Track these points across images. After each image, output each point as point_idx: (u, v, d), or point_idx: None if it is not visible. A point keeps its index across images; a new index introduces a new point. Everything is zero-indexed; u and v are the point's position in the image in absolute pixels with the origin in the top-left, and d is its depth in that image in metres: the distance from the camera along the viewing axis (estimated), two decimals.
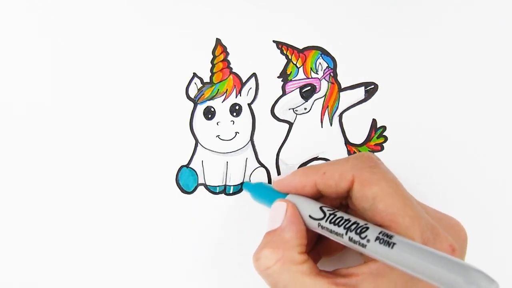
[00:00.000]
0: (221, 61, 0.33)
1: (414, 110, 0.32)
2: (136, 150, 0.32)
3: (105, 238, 0.32)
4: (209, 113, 0.33)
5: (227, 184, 0.32)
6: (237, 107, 0.32)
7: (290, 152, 0.32)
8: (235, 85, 0.33)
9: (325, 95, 0.32)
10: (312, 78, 0.32)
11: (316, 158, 0.32)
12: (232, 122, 0.32)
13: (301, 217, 0.25)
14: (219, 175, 0.32)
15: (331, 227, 0.23)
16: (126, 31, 0.33)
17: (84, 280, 0.32)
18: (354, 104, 0.32)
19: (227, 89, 0.33)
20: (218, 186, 0.32)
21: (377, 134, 0.32)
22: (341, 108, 0.32)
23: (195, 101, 0.33)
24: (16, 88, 0.33)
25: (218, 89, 0.33)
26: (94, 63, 0.33)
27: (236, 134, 0.32)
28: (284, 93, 0.32)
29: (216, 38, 0.33)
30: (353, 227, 0.22)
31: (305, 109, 0.32)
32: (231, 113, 0.33)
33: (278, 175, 0.32)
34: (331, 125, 0.32)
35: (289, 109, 0.32)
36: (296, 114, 0.32)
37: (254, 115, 0.32)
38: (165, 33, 0.33)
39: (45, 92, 0.33)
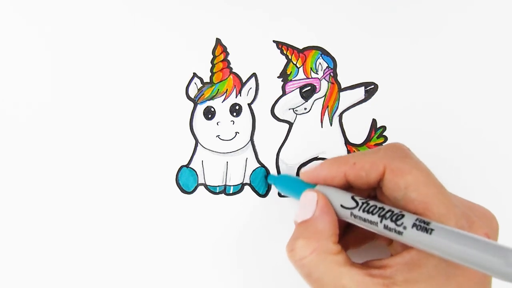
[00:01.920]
0: (221, 61, 0.33)
1: (414, 110, 0.32)
2: (136, 150, 0.32)
3: (105, 238, 0.32)
4: (209, 113, 0.33)
5: (227, 184, 0.32)
6: (237, 107, 0.32)
7: (290, 152, 0.32)
8: (235, 85, 0.33)
9: (325, 95, 0.32)
10: (312, 78, 0.32)
11: (316, 158, 0.32)
12: (232, 122, 0.32)
13: (332, 207, 0.24)
14: (219, 175, 0.32)
15: (365, 215, 0.23)
16: (126, 31, 0.33)
17: (84, 280, 0.32)
18: (354, 104, 0.32)
19: (227, 89, 0.33)
20: (218, 186, 0.32)
21: (377, 134, 0.32)
22: (341, 108, 0.32)
23: (195, 101, 0.33)
24: (16, 88, 0.33)
25: (218, 89, 0.33)
26: (94, 63, 0.33)
27: (236, 134, 0.32)
28: (284, 93, 0.32)
29: (216, 38, 0.33)
30: (388, 214, 0.22)
31: (305, 109, 0.32)
32: (231, 113, 0.33)
33: (278, 175, 0.32)
34: (331, 125, 0.32)
35: (289, 109, 0.32)
36: (296, 114, 0.32)
37: (254, 115, 0.32)
38: (165, 33, 0.33)
39: (46, 92, 0.33)
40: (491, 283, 0.23)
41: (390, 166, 0.23)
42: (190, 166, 0.32)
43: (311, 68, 0.32)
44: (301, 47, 0.32)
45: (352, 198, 0.24)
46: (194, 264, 0.32)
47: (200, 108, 0.33)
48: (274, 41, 0.33)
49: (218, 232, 0.32)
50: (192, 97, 0.33)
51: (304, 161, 0.32)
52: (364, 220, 0.23)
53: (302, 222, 0.25)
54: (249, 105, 0.33)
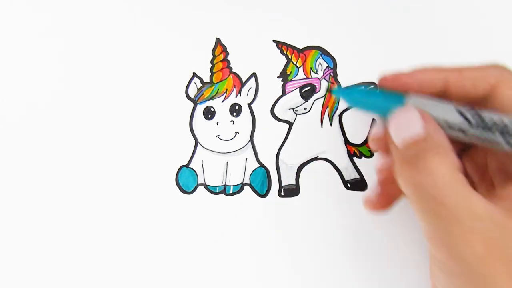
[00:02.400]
0: (221, 61, 0.33)
1: None
2: (136, 150, 0.32)
3: (105, 238, 0.32)
4: (209, 113, 0.32)
5: (227, 184, 0.32)
6: (237, 107, 0.32)
7: (290, 152, 0.32)
8: (235, 85, 0.33)
9: (325, 95, 0.32)
10: (312, 78, 0.32)
11: (316, 158, 0.32)
12: (232, 122, 0.32)
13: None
14: (219, 175, 0.32)
15: (480, 133, 0.19)
16: (126, 31, 0.33)
17: (84, 280, 0.32)
18: None
19: (227, 89, 0.33)
20: (218, 186, 0.32)
21: None
22: (341, 108, 0.32)
23: (195, 101, 0.33)
24: (17, 88, 0.33)
25: (218, 89, 0.33)
26: (94, 63, 0.33)
27: (236, 134, 0.32)
28: (284, 93, 0.32)
29: (216, 38, 0.33)
30: (507, 129, 0.19)
31: (305, 109, 0.32)
32: (231, 113, 0.33)
33: (278, 175, 0.32)
34: (331, 125, 0.32)
35: (289, 109, 0.32)
36: (296, 114, 0.32)
37: (254, 115, 0.32)
38: (165, 33, 0.33)
39: (45, 92, 0.33)
40: None
41: (504, 79, 0.21)
42: (190, 166, 0.32)
43: (311, 68, 0.32)
44: (301, 47, 0.32)
45: (459, 111, 0.20)
46: (194, 264, 0.32)
47: (200, 108, 0.33)
48: (274, 41, 0.33)
49: (218, 232, 0.32)
50: (192, 97, 0.33)
51: (304, 161, 0.32)
52: (478, 138, 0.19)
53: (412, 142, 0.20)
54: (249, 105, 0.33)
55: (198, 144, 0.32)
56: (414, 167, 0.20)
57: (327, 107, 0.32)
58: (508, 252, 0.18)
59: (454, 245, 0.19)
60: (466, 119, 0.20)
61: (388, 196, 0.25)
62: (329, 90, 0.28)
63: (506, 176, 0.22)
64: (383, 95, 0.22)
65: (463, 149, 0.24)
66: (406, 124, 0.20)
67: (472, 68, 0.22)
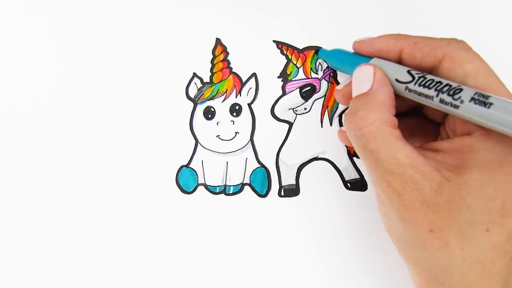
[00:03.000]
0: (221, 61, 0.33)
1: None
2: (136, 150, 0.32)
3: (105, 238, 0.32)
4: (209, 113, 0.33)
5: (227, 184, 0.32)
6: (237, 107, 0.32)
7: (290, 152, 0.32)
8: (235, 85, 0.33)
9: (325, 95, 0.32)
10: (312, 78, 0.32)
11: (316, 158, 0.32)
12: (232, 122, 0.32)
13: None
14: (219, 175, 0.32)
15: (421, 89, 0.22)
16: (126, 31, 0.33)
17: (84, 280, 0.32)
18: None
19: (227, 89, 0.33)
20: (218, 186, 0.32)
21: None
22: (341, 108, 0.32)
23: (195, 101, 0.33)
24: (17, 88, 0.33)
25: (218, 89, 0.33)
26: (94, 63, 0.33)
27: (236, 134, 0.32)
28: (284, 93, 0.32)
29: (216, 38, 0.33)
30: (445, 88, 0.21)
31: (305, 109, 0.32)
32: (231, 113, 0.33)
33: (278, 175, 0.32)
34: (331, 125, 0.32)
35: (289, 109, 0.32)
36: (296, 114, 0.32)
37: (254, 115, 0.32)
38: (165, 33, 0.33)
39: (46, 93, 0.33)
40: None
41: (452, 54, 0.23)
42: (190, 166, 0.32)
43: (311, 68, 0.32)
44: (301, 47, 0.32)
45: (408, 72, 0.23)
46: (194, 264, 0.32)
47: (200, 108, 0.33)
48: (274, 41, 0.33)
49: (218, 232, 0.32)
50: (192, 97, 0.33)
51: (304, 161, 0.32)
52: (420, 94, 0.22)
53: (360, 95, 0.24)
54: (249, 105, 0.33)
55: (198, 144, 0.32)
56: (353, 118, 0.23)
57: (327, 107, 0.32)
58: (421, 191, 0.21)
59: (381, 185, 0.23)
60: (413, 77, 0.23)
61: None
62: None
63: (453, 133, 0.24)
64: (354, 56, 0.26)
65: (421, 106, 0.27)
66: (360, 79, 0.24)
67: (426, 40, 0.24)
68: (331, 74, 0.32)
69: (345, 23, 0.33)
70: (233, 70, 0.33)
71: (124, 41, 0.33)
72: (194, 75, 0.33)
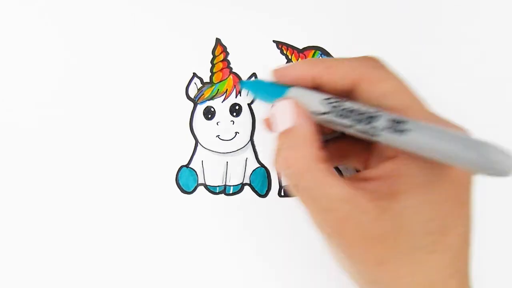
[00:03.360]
0: (221, 61, 0.33)
1: None
2: (136, 150, 0.32)
3: (105, 237, 0.32)
4: (209, 113, 0.33)
5: (227, 184, 0.32)
6: (237, 107, 0.32)
7: None
8: (235, 85, 0.33)
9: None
10: None
11: None
12: (232, 122, 0.32)
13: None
14: (219, 175, 0.32)
15: (338, 120, 0.22)
16: (126, 31, 0.33)
17: (84, 280, 0.32)
18: None
19: (227, 89, 0.33)
20: (218, 186, 0.32)
21: None
22: None
23: (195, 101, 0.33)
24: (17, 88, 0.33)
25: (218, 89, 0.33)
26: (94, 63, 0.33)
27: (236, 134, 0.32)
28: None
29: (216, 38, 0.33)
30: (360, 117, 0.21)
31: None
32: (231, 113, 0.33)
33: (278, 175, 0.32)
34: None
35: None
36: None
37: (254, 115, 0.32)
38: (165, 32, 0.33)
39: (46, 93, 0.33)
40: (472, 190, 0.22)
41: (365, 75, 0.22)
42: (190, 166, 0.32)
43: None
44: (301, 47, 0.32)
45: (325, 100, 0.22)
46: (194, 264, 0.32)
47: (200, 108, 0.33)
48: (274, 41, 0.33)
49: (218, 232, 0.32)
50: (192, 97, 0.33)
51: None
52: (337, 124, 0.22)
53: (282, 133, 0.23)
54: (249, 105, 0.33)
55: (198, 144, 0.32)
56: (279, 159, 0.23)
57: None
58: (360, 225, 0.21)
59: (320, 224, 0.22)
60: (329, 107, 0.22)
61: None
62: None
63: (381, 155, 0.23)
64: (272, 86, 0.25)
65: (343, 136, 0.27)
66: (279, 116, 0.23)
67: (340, 63, 0.23)
68: None
69: (345, 23, 0.33)
70: (233, 70, 0.33)
71: (124, 41, 0.33)
72: (194, 75, 0.33)
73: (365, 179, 0.22)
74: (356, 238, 0.21)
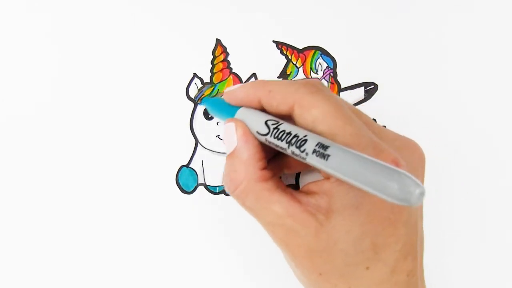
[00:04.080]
0: (221, 61, 0.33)
1: (414, 110, 0.32)
2: (136, 150, 0.32)
3: (105, 237, 0.32)
4: (209, 113, 0.33)
5: None
6: None
7: None
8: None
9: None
10: (312, 78, 0.32)
11: None
12: None
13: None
14: (219, 175, 0.32)
15: (275, 142, 0.23)
16: (126, 31, 0.33)
17: (84, 280, 0.32)
18: (354, 104, 0.32)
19: None
20: (218, 186, 0.32)
21: None
22: None
23: (195, 101, 0.33)
24: (17, 88, 0.33)
25: (218, 89, 0.33)
26: (94, 63, 0.33)
27: None
28: None
29: (216, 39, 0.33)
30: (293, 140, 0.22)
31: None
32: None
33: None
34: None
35: None
36: None
37: None
38: (165, 33, 0.33)
39: (46, 92, 0.33)
40: (407, 208, 0.22)
41: (300, 100, 0.23)
42: (190, 166, 0.32)
43: (311, 68, 0.32)
44: (301, 47, 0.33)
45: (266, 123, 0.23)
46: (194, 264, 0.32)
47: (200, 108, 0.33)
48: (274, 41, 0.33)
49: (218, 232, 0.32)
50: (192, 97, 0.33)
51: None
52: (276, 146, 0.23)
53: (229, 154, 0.24)
54: None
55: (198, 144, 0.32)
56: (225, 181, 0.24)
57: None
58: (302, 238, 0.22)
59: (270, 235, 0.24)
60: (269, 129, 0.23)
61: None
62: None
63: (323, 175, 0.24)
64: (226, 106, 0.26)
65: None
66: (226, 137, 0.25)
67: (279, 87, 0.24)
68: (331, 74, 0.32)
69: (345, 23, 0.33)
70: (233, 71, 0.33)
71: (124, 41, 0.33)
72: (194, 75, 0.33)
73: (309, 193, 0.23)
74: (300, 250, 0.22)
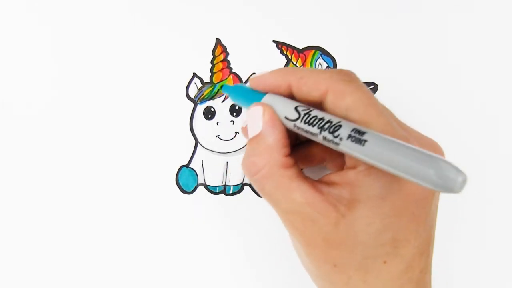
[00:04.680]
0: (221, 61, 0.33)
1: (414, 110, 0.32)
2: (136, 150, 0.32)
3: (105, 237, 0.32)
4: (209, 113, 0.33)
5: (227, 184, 0.32)
6: (237, 107, 0.33)
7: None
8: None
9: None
10: None
11: None
12: (232, 122, 0.32)
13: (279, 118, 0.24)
14: (219, 175, 0.32)
15: (306, 127, 0.22)
16: (126, 31, 0.33)
17: (84, 280, 0.32)
18: None
19: None
20: (218, 186, 0.32)
21: None
22: None
23: (195, 101, 0.33)
24: (17, 88, 0.33)
25: (218, 89, 0.33)
26: (94, 63, 0.33)
27: (236, 134, 0.32)
28: None
29: (216, 38, 0.33)
30: (326, 126, 0.21)
31: None
32: (231, 113, 0.33)
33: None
34: None
35: None
36: None
37: None
38: (165, 33, 0.33)
39: (46, 92, 0.33)
40: (430, 205, 0.23)
41: (333, 87, 0.22)
42: (190, 166, 0.32)
43: None
44: (301, 47, 0.32)
45: (296, 108, 0.23)
46: (194, 264, 0.32)
47: (200, 108, 0.33)
48: (274, 41, 0.33)
49: (218, 232, 0.32)
50: (192, 97, 0.33)
51: None
52: (306, 131, 0.22)
53: (252, 138, 0.24)
54: None
55: (198, 144, 0.32)
56: (246, 165, 0.24)
57: None
58: (320, 228, 0.22)
59: (284, 223, 0.24)
60: (299, 114, 0.23)
61: None
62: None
63: (346, 165, 0.24)
64: (250, 92, 0.26)
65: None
66: (251, 121, 0.24)
67: (311, 74, 0.24)
68: None
69: (345, 22, 0.33)
70: (233, 70, 0.33)
71: (124, 41, 0.33)
72: (194, 75, 0.33)
73: (330, 183, 0.23)
74: (315, 240, 0.22)
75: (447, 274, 0.32)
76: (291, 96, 0.24)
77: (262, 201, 0.32)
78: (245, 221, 0.32)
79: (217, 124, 0.32)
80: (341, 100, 0.22)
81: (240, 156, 0.32)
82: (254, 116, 0.24)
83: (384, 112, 0.22)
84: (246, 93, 0.26)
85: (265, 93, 0.25)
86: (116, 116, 0.33)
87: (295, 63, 0.32)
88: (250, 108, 0.24)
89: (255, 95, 0.26)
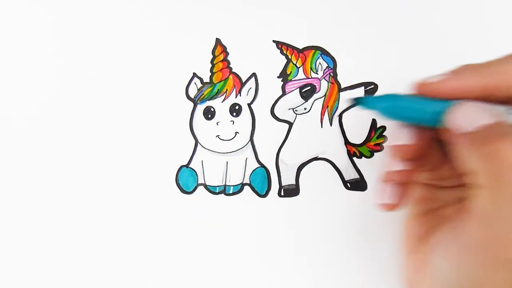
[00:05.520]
0: (221, 61, 0.33)
1: None
2: (136, 150, 0.32)
3: (104, 238, 0.32)
4: (209, 113, 0.33)
5: (227, 184, 0.32)
6: (237, 107, 0.32)
7: (290, 152, 0.32)
8: (235, 85, 0.33)
9: (325, 95, 0.32)
10: (312, 78, 0.32)
11: (316, 158, 0.32)
12: (232, 122, 0.32)
13: None
14: (219, 175, 0.32)
15: None
16: (126, 31, 0.33)
17: (84, 280, 0.32)
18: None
19: (227, 89, 0.33)
20: (218, 186, 0.32)
21: (376, 134, 0.32)
22: (341, 108, 0.32)
23: (195, 101, 0.33)
24: (16, 87, 0.33)
25: (218, 89, 0.33)
26: (94, 63, 0.33)
27: (236, 134, 0.32)
28: (284, 93, 0.32)
29: (216, 38, 0.33)
30: None
31: (305, 109, 0.32)
32: (231, 113, 0.33)
33: (278, 175, 0.32)
34: (331, 125, 0.32)
35: (289, 109, 0.32)
36: (296, 114, 0.32)
37: (254, 115, 0.32)
38: (165, 32, 0.33)
39: (46, 92, 0.33)
40: None
41: None
42: (190, 166, 0.32)
43: (311, 68, 0.32)
44: (301, 47, 0.32)
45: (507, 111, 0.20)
46: (194, 264, 0.32)
47: (200, 108, 0.33)
48: (274, 41, 0.33)
49: (218, 232, 0.32)
50: (192, 97, 0.33)
51: (304, 161, 0.32)
52: None
53: (486, 126, 0.20)
54: (249, 105, 0.33)
55: (198, 144, 0.32)
56: (487, 145, 0.20)
57: (327, 107, 0.32)
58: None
59: None
60: None
61: (402, 194, 0.26)
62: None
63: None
64: (427, 102, 0.22)
65: None
66: (473, 114, 0.20)
67: (501, 68, 0.21)
68: (331, 74, 0.32)
69: (345, 22, 0.33)
70: (233, 70, 0.33)
71: (124, 41, 0.33)
72: (194, 75, 0.33)
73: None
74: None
75: None
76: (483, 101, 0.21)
77: (262, 201, 0.32)
78: (245, 221, 0.32)
79: (217, 124, 0.32)
80: None
81: (240, 156, 0.32)
82: (473, 111, 0.21)
83: None
84: (413, 104, 0.22)
85: (447, 101, 0.21)
86: (115, 116, 0.33)
87: (295, 63, 0.32)
88: (462, 107, 0.21)
89: (432, 105, 0.21)
